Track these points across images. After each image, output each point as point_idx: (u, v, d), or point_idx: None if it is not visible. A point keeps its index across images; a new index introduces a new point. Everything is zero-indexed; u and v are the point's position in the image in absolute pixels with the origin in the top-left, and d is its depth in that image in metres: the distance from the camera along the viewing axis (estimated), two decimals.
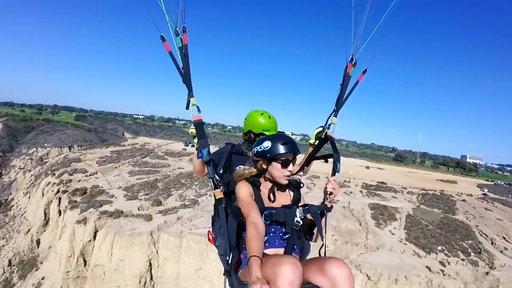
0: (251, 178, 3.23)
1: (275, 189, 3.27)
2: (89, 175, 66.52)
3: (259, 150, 3.16)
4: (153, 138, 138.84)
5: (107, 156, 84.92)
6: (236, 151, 4.26)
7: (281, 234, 3.05)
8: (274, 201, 3.21)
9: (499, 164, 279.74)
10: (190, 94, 3.21)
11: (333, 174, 3.31)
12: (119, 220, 42.37)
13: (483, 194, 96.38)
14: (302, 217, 3.06)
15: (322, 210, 3.12)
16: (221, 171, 3.81)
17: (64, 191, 56.34)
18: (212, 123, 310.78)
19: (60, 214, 53.60)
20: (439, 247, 44.35)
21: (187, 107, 3.24)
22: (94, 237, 42.19)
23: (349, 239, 42.60)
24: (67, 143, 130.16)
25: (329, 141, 3.78)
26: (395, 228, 49.52)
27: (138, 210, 46.55)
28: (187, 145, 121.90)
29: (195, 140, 3.50)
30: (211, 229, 3.82)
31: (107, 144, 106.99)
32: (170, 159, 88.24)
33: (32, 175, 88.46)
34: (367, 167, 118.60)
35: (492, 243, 49.58)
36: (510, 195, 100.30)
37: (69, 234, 43.82)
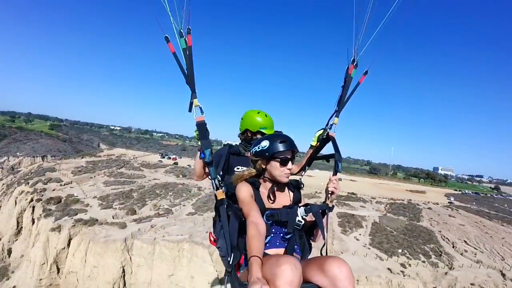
0: (251, 179, 3.25)
1: (275, 189, 3.28)
2: (64, 185, 66.43)
3: (258, 150, 3.21)
4: (130, 150, 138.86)
5: (82, 166, 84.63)
6: (234, 152, 4.37)
7: (281, 234, 3.09)
8: (274, 200, 3.23)
9: (469, 175, 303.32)
10: (194, 95, 3.27)
11: (335, 173, 3.40)
12: (94, 227, 42.87)
13: (449, 202, 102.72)
14: (304, 216, 3.10)
15: (324, 210, 3.22)
16: (221, 173, 3.92)
17: (38, 200, 56.14)
18: (190, 137, 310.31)
19: (33, 222, 53.30)
20: (400, 250, 47.11)
21: (190, 109, 3.31)
22: (68, 244, 42.40)
23: (315, 245, 44.54)
24: (40, 153, 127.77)
25: (331, 141, 3.84)
26: (360, 234, 52.10)
27: (113, 218, 47.18)
28: (163, 157, 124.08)
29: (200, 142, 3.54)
30: (212, 231, 3.93)
31: (83, 154, 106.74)
32: (146, 171, 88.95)
33: (3, 184, 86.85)
34: (340, 179, 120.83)
35: (453, 247, 53.05)
36: (474, 203, 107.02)
37: (43, 241, 44.02)
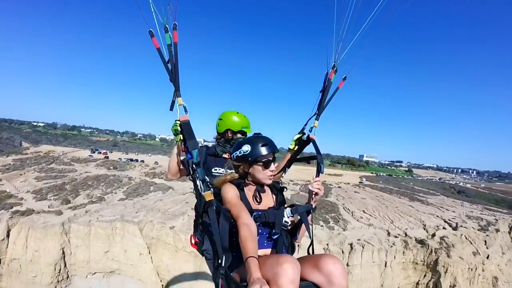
0: (236, 181, 3.30)
1: (260, 191, 3.35)
2: None
3: (239, 154, 3.22)
4: (58, 147, 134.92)
5: (10, 164, 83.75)
6: (211, 153, 4.47)
7: (267, 235, 3.19)
8: (260, 202, 3.29)
9: (390, 161, 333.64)
10: (177, 94, 3.20)
11: (318, 175, 3.48)
12: (32, 216, 44.96)
13: (359, 182, 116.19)
14: (290, 217, 3.25)
15: (308, 210, 3.30)
16: None
17: None
18: (122, 131, 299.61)
19: None
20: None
21: (171, 108, 3.27)
22: (8, 235, 43.45)
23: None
24: None
25: (311, 143, 3.93)
26: None
27: (49, 208, 49.47)
28: (94, 152, 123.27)
29: (177, 138, 3.60)
30: (193, 234, 4.03)
31: (8, 153, 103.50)
32: (77, 165, 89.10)
33: None
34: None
35: (352, 215, 61.10)
36: (380, 182, 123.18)
37: None
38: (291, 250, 3.35)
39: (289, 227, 3.37)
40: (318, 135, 3.93)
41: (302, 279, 2.53)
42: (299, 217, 3.36)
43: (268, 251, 3.16)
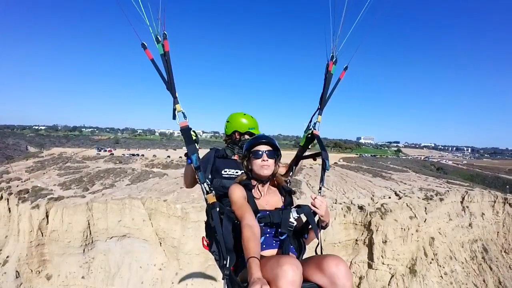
0: (244, 181, 3.36)
1: (267, 190, 3.49)
2: (25, 181, 75.74)
3: (242, 151, 3.43)
4: (66, 148, 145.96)
5: (32, 165, 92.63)
6: (220, 155, 4.52)
7: (274, 235, 3.24)
8: (267, 202, 3.38)
9: (387, 142, 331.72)
10: (175, 101, 3.20)
11: (323, 170, 3.53)
12: (64, 200, 57.27)
13: (334, 162, 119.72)
14: (296, 217, 3.25)
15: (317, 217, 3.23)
16: (209, 176, 4.08)
17: (9, 194, 63.49)
18: (122, 128, 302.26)
19: (10, 211, 60.99)
20: None
21: (174, 117, 3.25)
22: (47, 216, 54.45)
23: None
24: None
25: (315, 140, 3.93)
26: None
27: (74, 194, 62.18)
28: (100, 151, 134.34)
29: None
30: (205, 235, 4.01)
31: (27, 156, 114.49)
32: (88, 162, 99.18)
33: None
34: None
35: (311, 189, 63.50)
36: (353, 162, 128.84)
37: (27, 216, 54.76)
38: (299, 250, 3.39)
39: (296, 227, 3.39)
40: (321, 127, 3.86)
41: (306, 280, 2.64)
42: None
43: (275, 251, 3.18)
